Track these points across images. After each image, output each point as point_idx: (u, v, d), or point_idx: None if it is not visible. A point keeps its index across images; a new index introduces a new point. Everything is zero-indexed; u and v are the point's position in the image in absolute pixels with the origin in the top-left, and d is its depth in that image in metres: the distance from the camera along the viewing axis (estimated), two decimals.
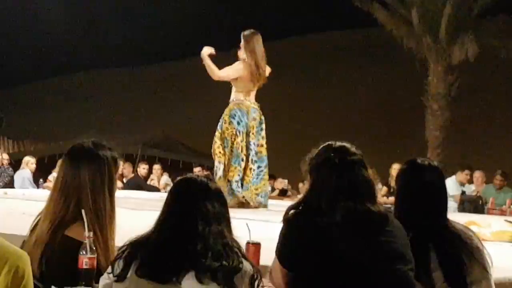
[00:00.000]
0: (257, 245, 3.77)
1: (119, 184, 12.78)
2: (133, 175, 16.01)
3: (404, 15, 20.54)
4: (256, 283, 3.06)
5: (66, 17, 38.91)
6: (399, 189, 3.93)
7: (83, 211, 3.44)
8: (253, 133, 9.44)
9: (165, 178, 16.88)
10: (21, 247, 3.48)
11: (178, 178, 3.33)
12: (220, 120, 9.53)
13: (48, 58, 41.34)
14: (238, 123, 9.37)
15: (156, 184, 16.22)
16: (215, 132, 9.50)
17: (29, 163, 15.33)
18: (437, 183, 3.83)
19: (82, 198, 3.52)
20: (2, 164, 15.67)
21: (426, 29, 20.03)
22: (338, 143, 3.51)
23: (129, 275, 3.05)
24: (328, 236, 3.22)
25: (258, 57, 9.33)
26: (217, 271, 2.96)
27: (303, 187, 15.32)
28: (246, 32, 9.47)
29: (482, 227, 7.16)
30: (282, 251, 3.34)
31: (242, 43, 9.45)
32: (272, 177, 16.96)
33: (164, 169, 17.92)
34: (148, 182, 16.13)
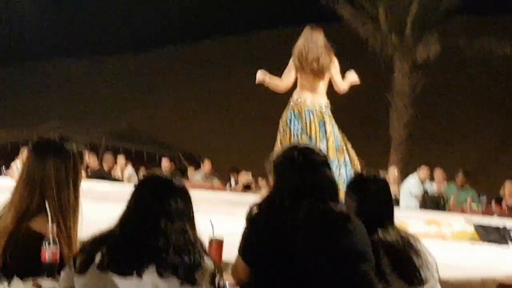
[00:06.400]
0: (219, 242, 3.80)
1: (83, 175, 12.70)
2: (98, 167, 15.91)
3: (370, 12, 20.58)
4: (216, 279, 3.09)
5: (34, 4, 38.51)
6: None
7: (47, 203, 3.44)
8: (318, 137, 9.00)
9: (129, 170, 16.78)
10: None
11: (143, 175, 3.35)
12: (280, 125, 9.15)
13: (11, 46, 40.79)
14: (293, 128, 8.96)
15: (119, 176, 16.14)
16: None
17: None
18: (382, 195, 3.92)
19: (47, 191, 3.51)
20: None
21: (392, 27, 20.13)
22: (303, 144, 3.56)
23: (90, 268, 3.06)
24: (290, 234, 3.26)
25: (302, 50, 9.01)
26: (178, 266, 2.99)
27: (263, 181, 15.37)
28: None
29: (443, 226, 7.26)
30: (245, 247, 3.38)
31: None
32: (235, 170, 17.01)
33: (128, 160, 17.85)
34: (112, 174, 16.04)
